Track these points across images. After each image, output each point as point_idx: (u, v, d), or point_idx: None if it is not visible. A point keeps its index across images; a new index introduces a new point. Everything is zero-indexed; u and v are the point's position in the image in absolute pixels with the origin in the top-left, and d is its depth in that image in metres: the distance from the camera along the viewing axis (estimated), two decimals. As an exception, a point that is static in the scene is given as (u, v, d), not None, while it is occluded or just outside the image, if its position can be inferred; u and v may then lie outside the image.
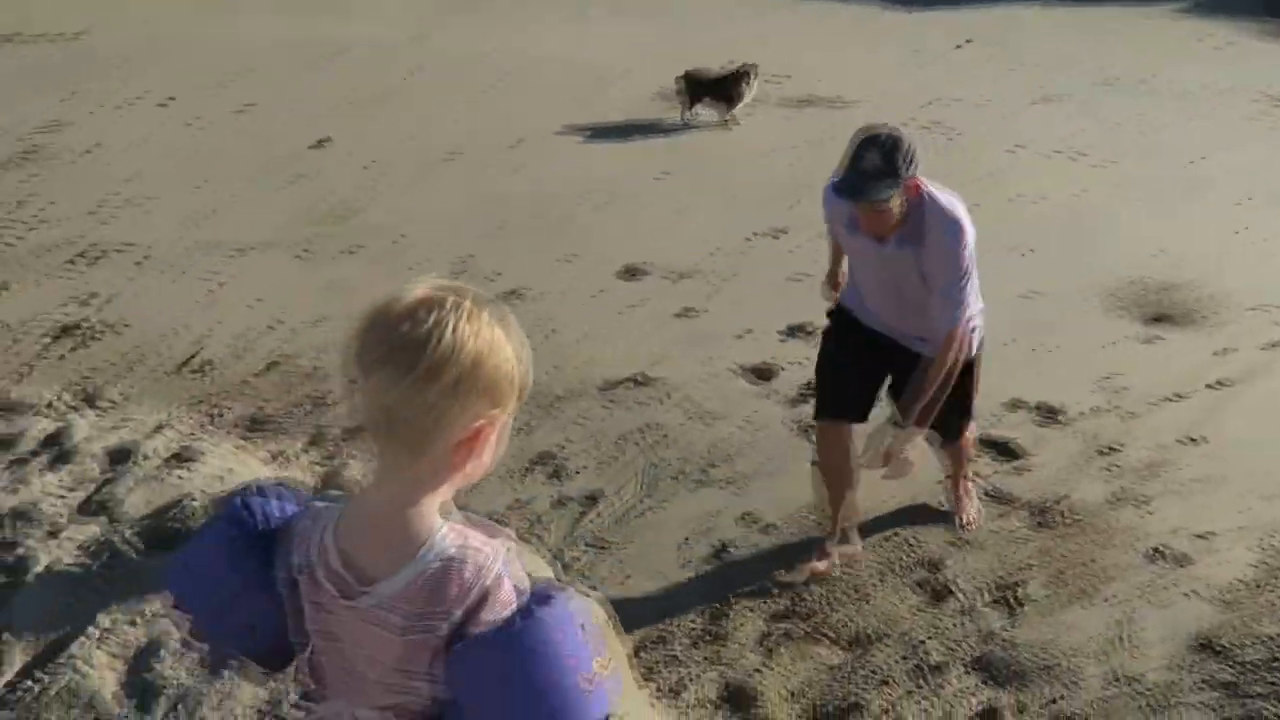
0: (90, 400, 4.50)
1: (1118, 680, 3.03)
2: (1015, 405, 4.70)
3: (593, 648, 1.07)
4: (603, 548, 3.61)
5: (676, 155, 9.25)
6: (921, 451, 3.51)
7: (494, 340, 1.05)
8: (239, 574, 1.14)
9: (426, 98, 11.77)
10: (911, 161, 2.89)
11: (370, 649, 1.08)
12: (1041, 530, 3.78)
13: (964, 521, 3.74)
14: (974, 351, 3.37)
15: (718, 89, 9.60)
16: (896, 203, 2.91)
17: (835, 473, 3.50)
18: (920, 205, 2.98)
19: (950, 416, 3.43)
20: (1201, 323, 5.71)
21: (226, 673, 1.93)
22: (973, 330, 3.32)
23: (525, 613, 1.05)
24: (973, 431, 3.73)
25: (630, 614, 3.29)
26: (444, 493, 1.10)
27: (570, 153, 10.18)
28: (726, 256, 6.38)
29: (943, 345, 3.03)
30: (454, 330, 1.01)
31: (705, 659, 3.06)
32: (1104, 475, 4.16)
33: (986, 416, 4.58)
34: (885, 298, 3.24)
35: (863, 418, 3.46)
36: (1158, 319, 5.72)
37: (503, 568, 1.09)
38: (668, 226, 6.88)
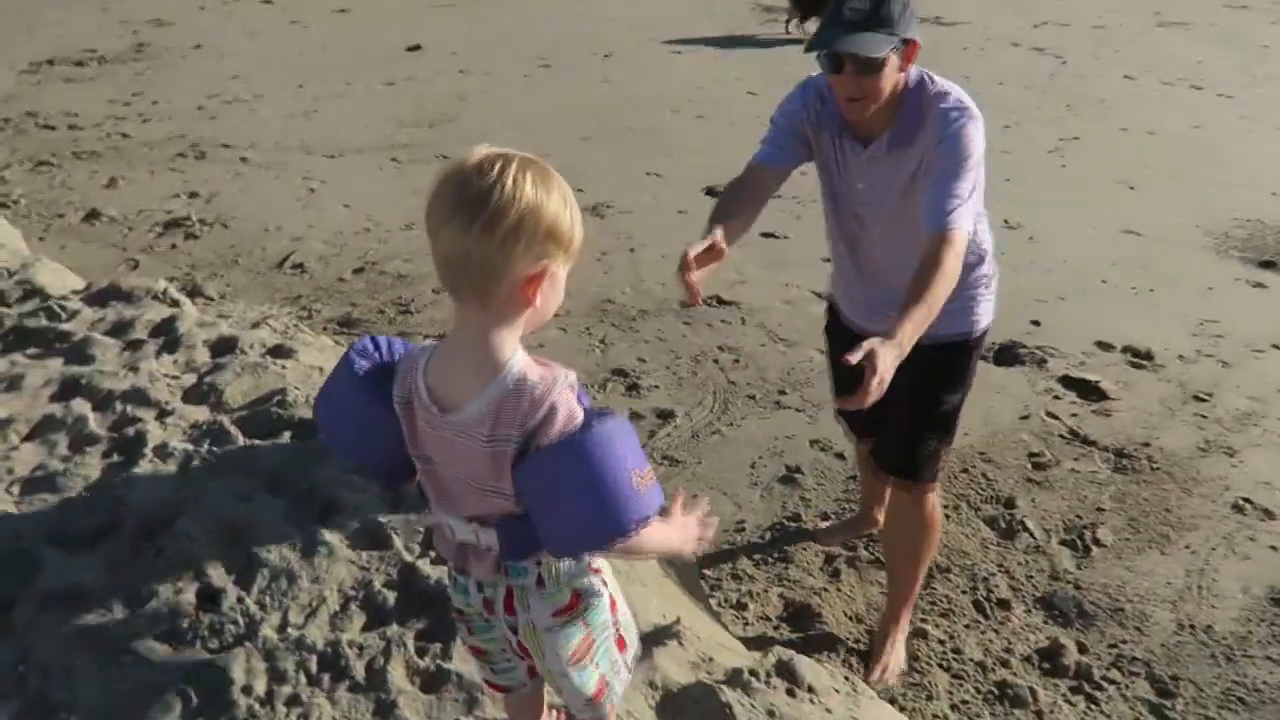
0: (193, 294, 4.73)
1: (1187, 628, 3.00)
2: (1104, 346, 4.57)
3: (642, 456, 1.24)
4: (675, 463, 3.68)
5: (767, 73, 9.04)
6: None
7: (547, 190, 1.19)
8: (364, 395, 1.33)
9: (522, 2, 11.69)
10: (907, 9, 2.13)
11: (458, 467, 1.27)
12: (1121, 474, 3.71)
13: (882, 671, 2.74)
14: (977, 328, 2.61)
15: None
16: (891, 73, 2.15)
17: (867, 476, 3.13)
18: (920, 90, 2.23)
19: (916, 430, 2.59)
20: (1316, 270, 5.44)
21: (318, 557, 2.06)
22: (980, 286, 2.56)
23: (586, 425, 1.21)
24: (937, 511, 2.75)
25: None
26: (517, 329, 1.24)
27: (662, 64, 10.02)
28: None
29: (936, 246, 2.08)
30: (513, 182, 1.16)
31: (770, 577, 3.12)
32: (1193, 423, 4.04)
33: (1075, 355, 4.49)
34: (871, 251, 2.49)
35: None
36: (1268, 264, 5.46)
37: (567, 391, 1.24)
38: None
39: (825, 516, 3.44)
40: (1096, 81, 8.68)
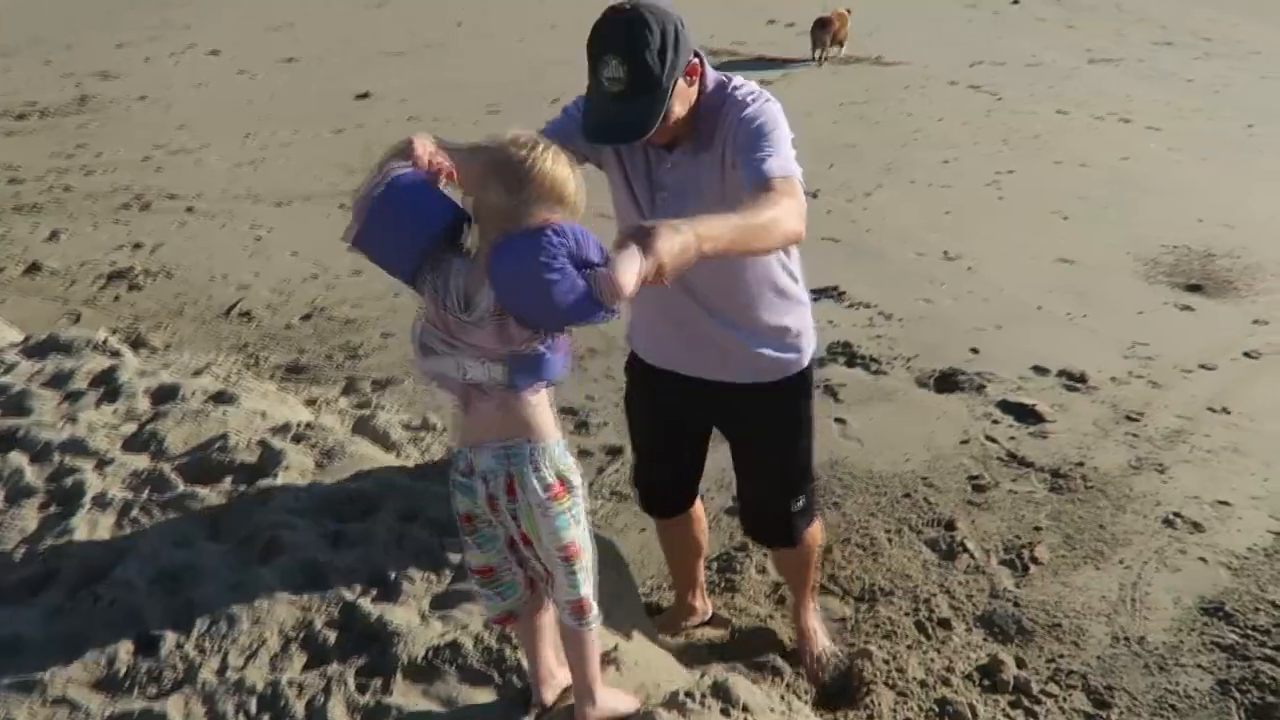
0: (136, 344, 4.70)
1: (1122, 640, 3.08)
2: (1041, 370, 4.71)
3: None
4: (624, 498, 3.72)
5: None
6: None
7: (565, 168, 1.58)
8: (424, 208, 1.64)
9: (471, 49, 11.84)
10: (676, 46, 1.94)
11: (481, 340, 1.60)
12: (1057, 494, 3.82)
13: (814, 659, 2.86)
14: (806, 358, 2.42)
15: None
16: (679, 105, 2.00)
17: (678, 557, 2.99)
18: (717, 92, 2.09)
19: (778, 498, 2.53)
20: (1241, 292, 5.65)
21: (259, 599, 2.07)
22: (798, 310, 2.36)
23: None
24: (819, 529, 2.75)
25: (647, 561, 3.41)
26: None
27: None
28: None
29: (763, 191, 1.89)
30: (540, 157, 1.55)
31: (717, 605, 3.16)
32: (1125, 442, 4.18)
33: (1012, 380, 4.62)
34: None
35: (690, 504, 2.79)
36: (1194, 288, 5.67)
37: None
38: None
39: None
40: (1031, 117, 8.98)
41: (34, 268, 5.82)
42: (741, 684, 1.91)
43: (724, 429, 2.55)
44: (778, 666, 2.82)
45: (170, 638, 2.00)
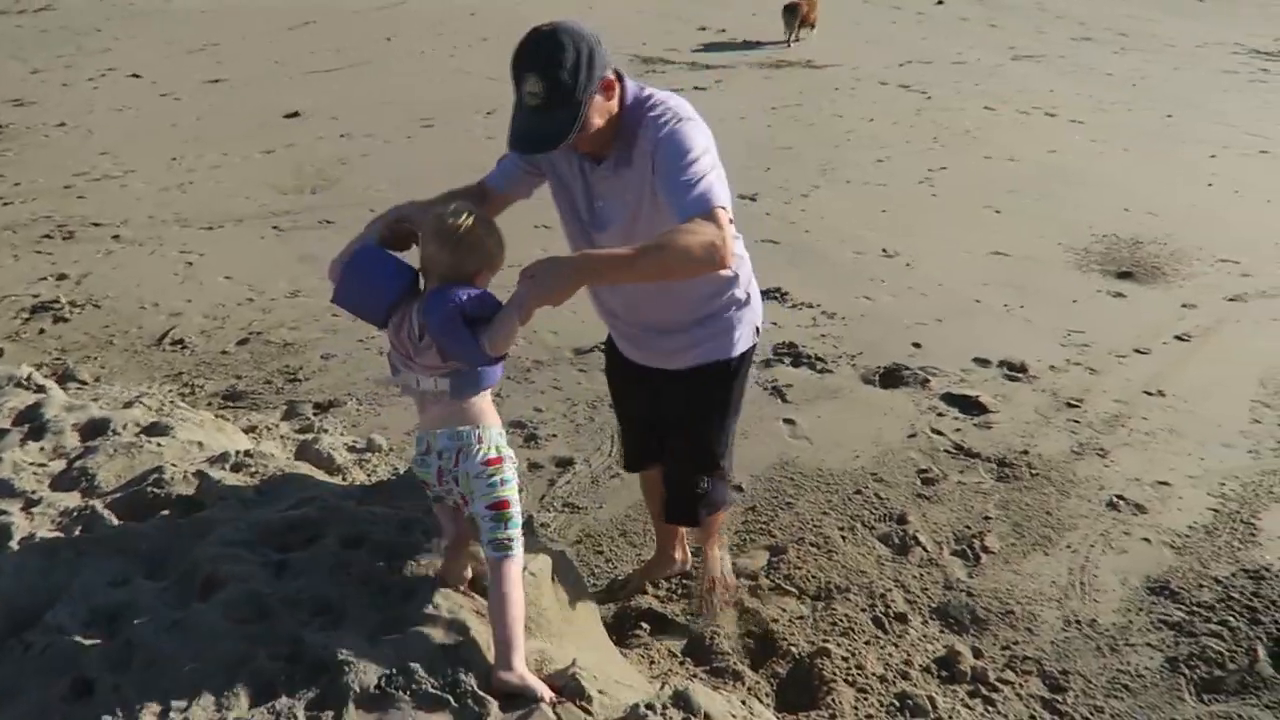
0: (65, 379, 4.54)
1: (1074, 624, 3.13)
2: (982, 362, 4.79)
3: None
4: (576, 509, 3.68)
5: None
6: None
7: (490, 235, 2.01)
8: (390, 273, 2.06)
9: (402, 65, 11.70)
10: (590, 63, 2.07)
11: (429, 362, 2.02)
12: (1003, 483, 3.87)
13: (705, 589, 3.10)
14: (735, 350, 2.57)
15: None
16: (596, 115, 2.12)
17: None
18: (634, 109, 2.19)
19: (685, 475, 2.77)
20: (1169, 277, 5.81)
21: (201, 636, 1.99)
22: (734, 307, 2.52)
23: None
24: (726, 507, 3.00)
25: (602, 574, 3.37)
26: None
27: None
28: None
29: (690, 222, 2.00)
30: (471, 227, 1.97)
31: (674, 612, 3.14)
32: (1067, 428, 4.25)
33: (955, 373, 4.68)
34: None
35: (657, 460, 2.94)
36: (1125, 275, 5.81)
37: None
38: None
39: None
40: (959, 114, 9.15)
41: (-48, 304, 5.59)
42: (701, 692, 1.89)
43: (655, 406, 2.74)
44: (738, 671, 2.80)
45: (107, 681, 1.91)
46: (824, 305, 5.38)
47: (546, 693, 1.92)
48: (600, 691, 1.90)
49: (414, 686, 1.85)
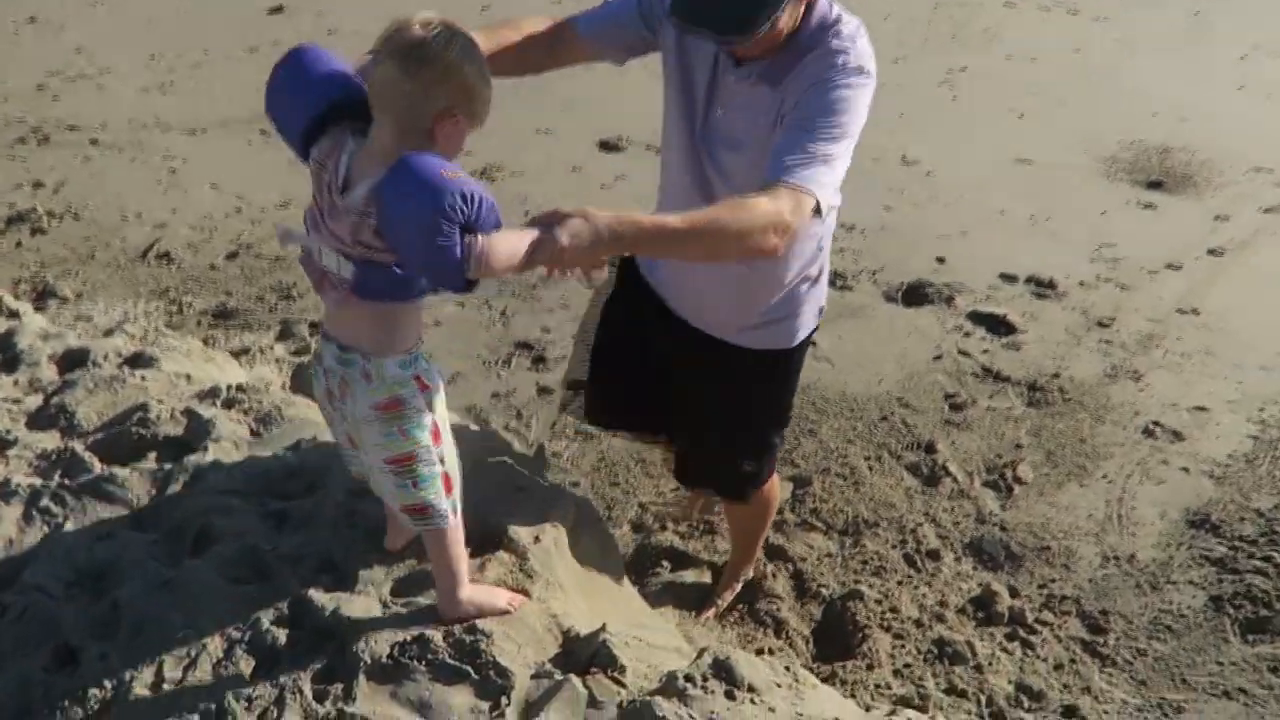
0: (45, 295, 4.31)
1: (1112, 560, 3.00)
2: (1008, 278, 4.57)
3: (452, 165, 1.41)
4: (588, 438, 3.51)
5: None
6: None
7: (474, 63, 1.47)
8: (296, 93, 1.55)
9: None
10: None
11: (338, 229, 1.50)
12: (1034, 408, 3.70)
13: (718, 602, 2.77)
14: (797, 338, 2.19)
15: None
16: (786, 20, 1.75)
17: None
18: (817, 32, 1.80)
19: (729, 455, 2.34)
20: (1200, 187, 5.54)
21: (195, 596, 1.82)
22: (806, 284, 2.11)
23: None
24: (774, 485, 2.55)
25: (618, 506, 3.22)
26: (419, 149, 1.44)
27: (544, 9, 9.56)
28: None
29: (763, 191, 1.65)
30: (447, 42, 1.43)
31: (699, 549, 3.00)
32: (1099, 349, 4.06)
33: (981, 290, 4.46)
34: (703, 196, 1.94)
35: (636, 424, 2.60)
36: (1155, 184, 5.54)
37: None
38: (647, 96, 6.56)
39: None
40: (978, 10, 8.68)
41: (-78, 215, 5.30)
42: (743, 660, 1.73)
43: (683, 372, 2.32)
44: (779, 617, 2.66)
45: (92, 649, 1.75)
46: (842, 217, 5.08)
47: (503, 599, 1.78)
48: (635, 659, 1.75)
49: (430, 656, 1.69)
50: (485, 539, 1.97)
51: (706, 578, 2.88)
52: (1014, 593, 2.87)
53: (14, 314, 2.87)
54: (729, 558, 2.86)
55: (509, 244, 1.41)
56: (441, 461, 1.65)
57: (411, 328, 1.61)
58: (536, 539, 1.97)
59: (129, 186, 5.61)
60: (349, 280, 1.50)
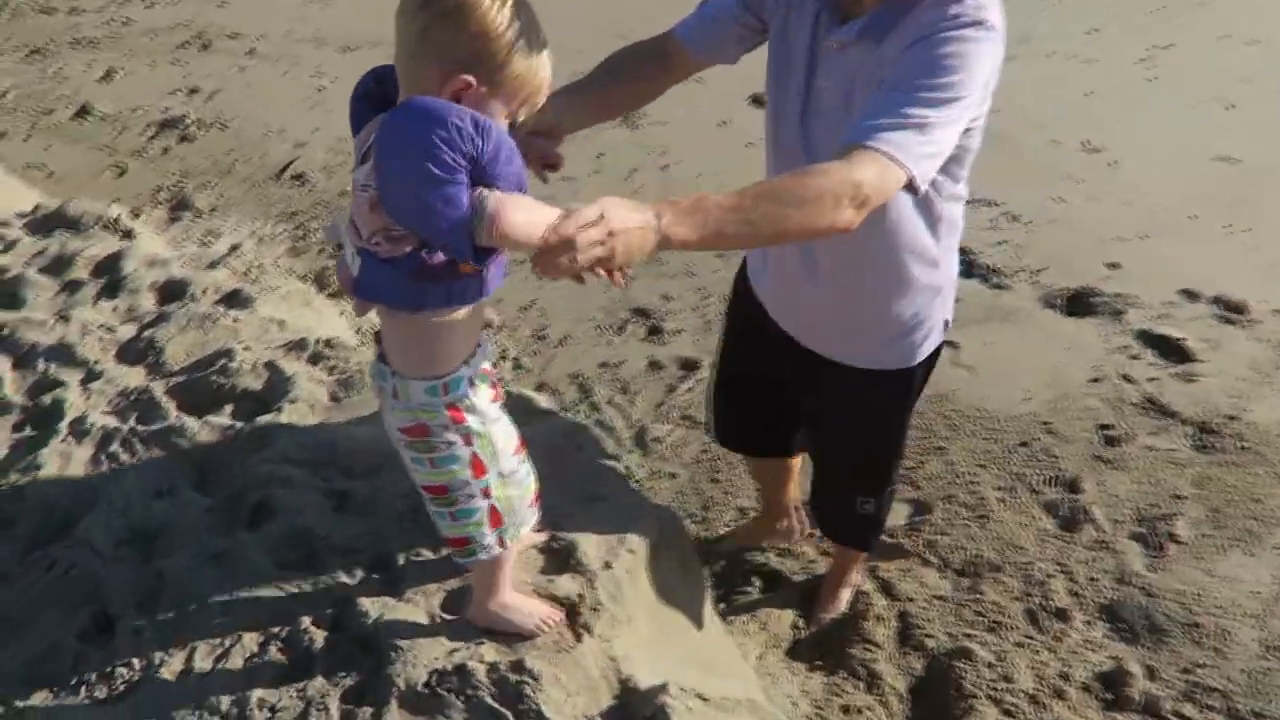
0: (180, 206, 4.35)
1: (1275, 651, 2.59)
2: (1190, 295, 4.03)
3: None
4: (694, 425, 3.28)
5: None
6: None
7: (505, 10, 1.14)
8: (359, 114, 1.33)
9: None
10: None
11: (354, 207, 1.27)
12: (1203, 453, 3.24)
13: (821, 617, 2.58)
14: (919, 355, 1.93)
15: None
16: None
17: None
18: None
19: (848, 492, 2.18)
20: None
21: (240, 577, 1.70)
22: (933, 297, 1.86)
23: None
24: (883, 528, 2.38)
25: (715, 507, 2.99)
26: None
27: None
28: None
29: (836, 158, 1.40)
30: None
31: (795, 569, 2.75)
32: (1290, 393, 3.54)
33: (1156, 306, 3.96)
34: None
35: (767, 448, 2.40)
36: (1385, 200, 4.82)
37: None
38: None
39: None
40: (1190, -21, 7.78)
41: (84, 111, 5.47)
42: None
43: (801, 395, 2.12)
44: (874, 669, 2.40)
45: (130, 620, 1.66)
46: (1008, 205, 4.65)
47: (535, 616, 1.59)
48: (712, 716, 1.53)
49: (469, 692, 1.52)
50: (551, 555, 1.78)
51: (799, 602, 2.63)
52: (1151, 674, 2.50)
53: (128, 234, 2.83)
54: (829, 569, 2.62)
55: (531, 208, 1.14)
56: (487, 495, 1.45)
57: (448, 348, 1.34)
58: (608, 564, 1.77)
59: (277, 101, 5.64)
60: (356, 276, 1.27)
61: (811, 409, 2.11)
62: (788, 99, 1.71)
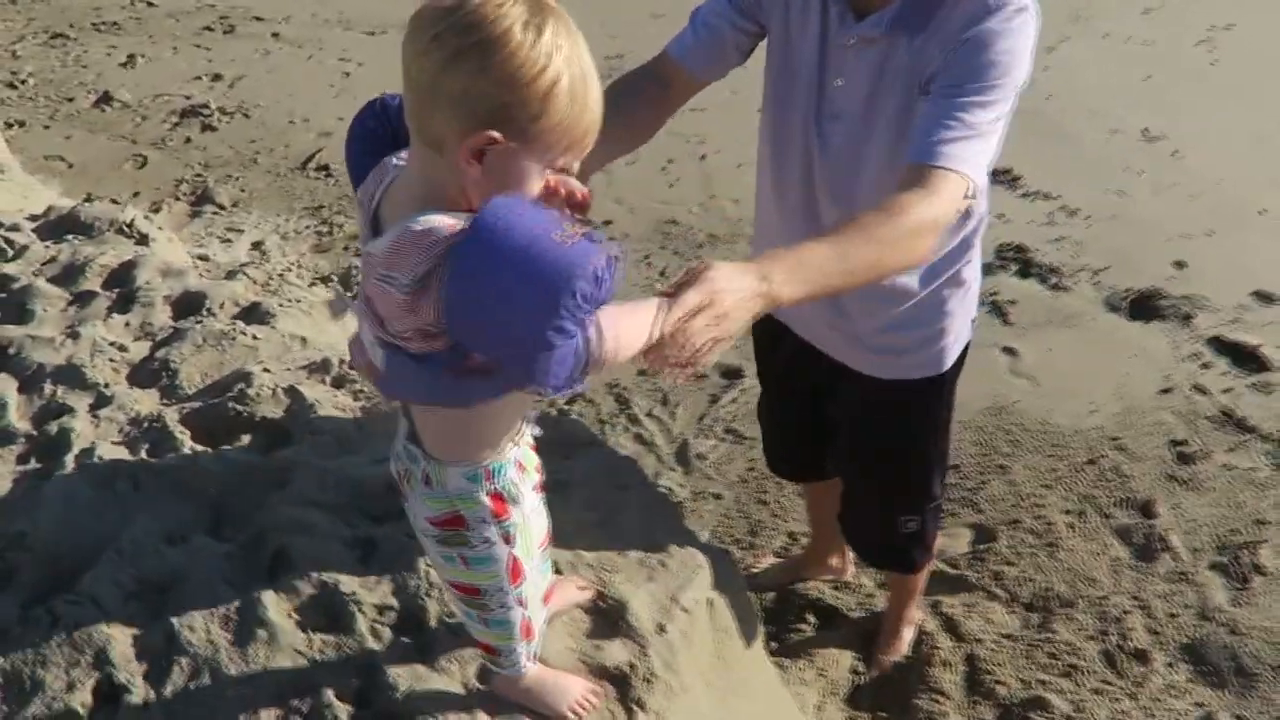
0: (202, 200, 4.20)
1: (1375, 696, 2.38)
2: (1264, 298, 3.79)
3: (559, 218, 0.92)
4: (739, 440, 3.09)
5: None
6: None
7: (539, 33, 0.90)
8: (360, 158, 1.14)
9: None
10: None
11: (365, 288, 1.03)
12: (1287, 473, 3.03)
13: (883, 659, 2.42)
14: (949, 358, 1.82)
15: None
16: None
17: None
18: None
19: (886, 511, 2.05)
20: None
21: (258, 638, 1.55)
22: (958, 289, 1.74)
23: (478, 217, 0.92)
24: (934, 549, 2.21)
25: (764, 531, 2.81)
26: (452, 189, 0.98)
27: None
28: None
29: (908, 187, 1.32)
30: (499, 6, 0.88)
31: (851, 605, 2.57)
32: (1378, 405, 3.30)
33: (1228, 309, 3.72)
34: (833, 204, 1.63)
35: (817, 471, 2.23)
36: None
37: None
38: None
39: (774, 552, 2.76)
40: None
41: (105, 99, 5.33)
42: None
43: (831, 407, 2.00)
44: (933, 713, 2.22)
45: (138, 692, 1.51)
46: (1065, 198, 4.41)
47: (569, 698, 1.43)
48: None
49: (506, 784, 1.36)
50: (599, 616, 1.62)
51: (857, 642, 2.45)
52: (1241, 723, 2.31)
53: (143, 239, 2.68)
54: (887, 605, 2.45)
55: (630, 313, 0.97)
56: (522, 604, 1.27)
57: (495, 431, 1.16)
58: (661, 627, 1.60)
59: (302, 86, 5.48)
60: (379, 370, 1.06)
61: (840, 423, 1.99)
62: (793, 101, 1.61)
